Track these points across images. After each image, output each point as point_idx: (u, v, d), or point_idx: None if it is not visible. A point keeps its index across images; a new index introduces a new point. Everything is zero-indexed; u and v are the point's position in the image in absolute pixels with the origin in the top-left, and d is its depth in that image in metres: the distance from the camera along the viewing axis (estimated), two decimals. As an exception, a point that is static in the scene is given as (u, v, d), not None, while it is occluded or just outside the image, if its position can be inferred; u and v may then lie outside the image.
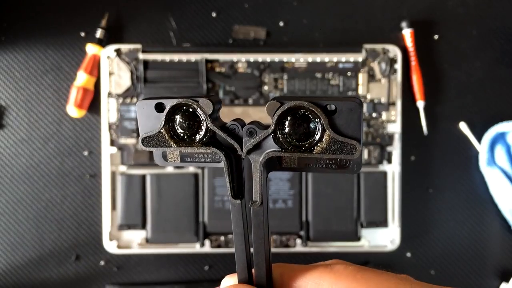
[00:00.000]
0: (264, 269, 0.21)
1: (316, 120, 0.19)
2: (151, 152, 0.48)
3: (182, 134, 0.21)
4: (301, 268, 0.21)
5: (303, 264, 0.22)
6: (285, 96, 0.22)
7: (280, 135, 0.20)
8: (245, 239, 0.21)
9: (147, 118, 0.21)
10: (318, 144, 0.19)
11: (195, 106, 0.20)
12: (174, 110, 0.20)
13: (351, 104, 0.18)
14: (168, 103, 0.20)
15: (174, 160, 0.22)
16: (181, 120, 0.20)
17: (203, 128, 0.20)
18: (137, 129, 0.48)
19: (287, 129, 0.19)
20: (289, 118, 0.19)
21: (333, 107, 0.19)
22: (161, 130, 0.20)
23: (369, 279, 0.20)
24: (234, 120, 0.20)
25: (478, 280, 0.50)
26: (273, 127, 0.19)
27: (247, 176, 0.21)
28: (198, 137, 0.21)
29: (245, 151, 0.20)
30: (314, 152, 0.19)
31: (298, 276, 0.21)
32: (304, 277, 0.21)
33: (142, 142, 0.21)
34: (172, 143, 0.21)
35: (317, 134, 0.19)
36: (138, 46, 0.48)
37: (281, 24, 0.50)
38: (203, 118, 0.20)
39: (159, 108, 0.20)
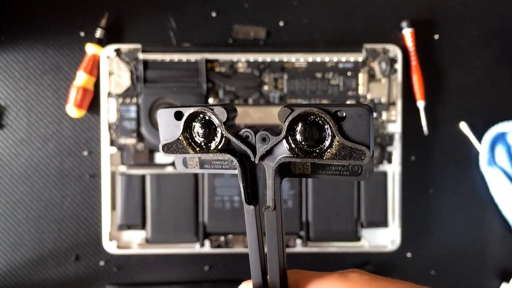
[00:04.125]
0: (278, 275, 0.21)
1: (326, 126, 0.19)
2: (151, 152, 0.48)
3: (199, 142, 0.22)
4: (316, 275, 0.21)
5: (319, 272, 0.22)
6: (296, 104, 0.22)
7: (291, 141, 0.20)
8: (259, 245, 0.22)
9: (167, 125, 0.22)
10: (328, 150, 0.19)
11: (210, 114, 0.21)
12: (192, 118, 0.21)
13: (360, 110, 0.19)
14: (186, 111, 0.21)
15: (194, 167, 0.23)
16: (198, 127, 0.21)
17: (218, 135, 0.21)
18: (137, 129, 0.48)
19: (298, 135, 0.20)
20: (300, 124, 0.20)
21: (342, 113, 0.19)
22: (180, 138, 0.21)
23: None
24: (248, 127, 0.21)
25: (478, 280, 0.50)
26: (284, 133, 0.20)
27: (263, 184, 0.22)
28: (214, 144, 0.21)
29: (258, 157, 0.21)
30: (324, 158, 0.19)
31: (313, 282, 0.21)
32: (319, 284, 0.21)
33: (163, 149, 0.22)
34: (189, 149, 0.22)
35: (327, 140, 0.19)
36: (138, 46, 0.47)
37: (281, 24, 0.50)
38: (218, 125, 0.21)
39: (178, 116, 0.21)
